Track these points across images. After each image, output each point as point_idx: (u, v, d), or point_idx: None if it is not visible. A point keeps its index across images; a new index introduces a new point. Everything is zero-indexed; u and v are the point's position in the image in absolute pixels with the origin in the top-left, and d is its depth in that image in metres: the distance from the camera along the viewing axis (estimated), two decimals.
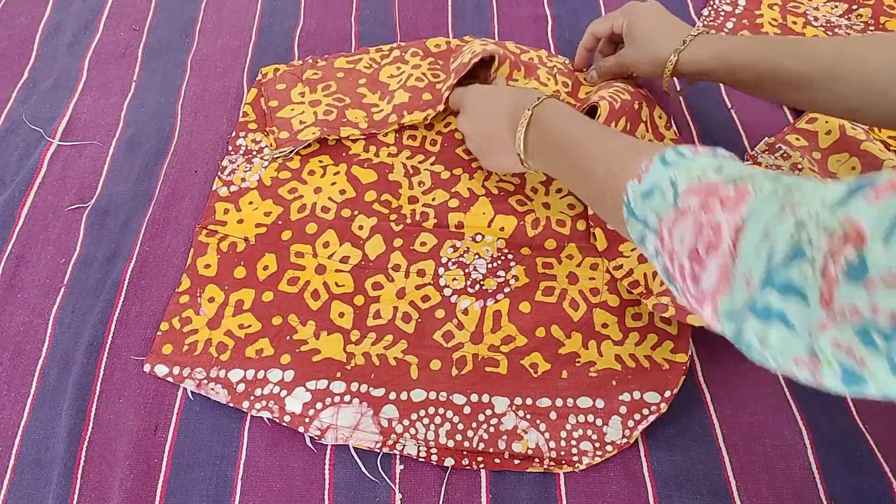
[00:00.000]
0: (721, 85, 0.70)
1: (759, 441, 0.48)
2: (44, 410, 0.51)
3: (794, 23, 0.76)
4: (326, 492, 0.47)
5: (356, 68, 0.70)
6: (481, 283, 0.56)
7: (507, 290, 0.55)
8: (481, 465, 0.48)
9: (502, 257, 0.57)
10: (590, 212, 0.59)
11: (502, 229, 0.59)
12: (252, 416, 0.50)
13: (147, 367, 0.52)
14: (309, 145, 0.64)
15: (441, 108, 0.65)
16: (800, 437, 0.49)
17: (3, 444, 0.50)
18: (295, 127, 0.65)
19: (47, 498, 0.48)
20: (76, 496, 0.47)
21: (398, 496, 0.47)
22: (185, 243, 0.59)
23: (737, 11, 0.77)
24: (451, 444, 0.48)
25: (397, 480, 0.48)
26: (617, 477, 0.47)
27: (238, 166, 0.63)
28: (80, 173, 0.64)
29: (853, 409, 0.50)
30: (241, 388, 0.51)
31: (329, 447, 0.49)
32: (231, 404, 0.50)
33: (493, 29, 0.76)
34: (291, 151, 0.63)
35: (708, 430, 0.49)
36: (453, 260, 0.57)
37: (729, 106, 0.68)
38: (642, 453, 0.48)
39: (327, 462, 0.48)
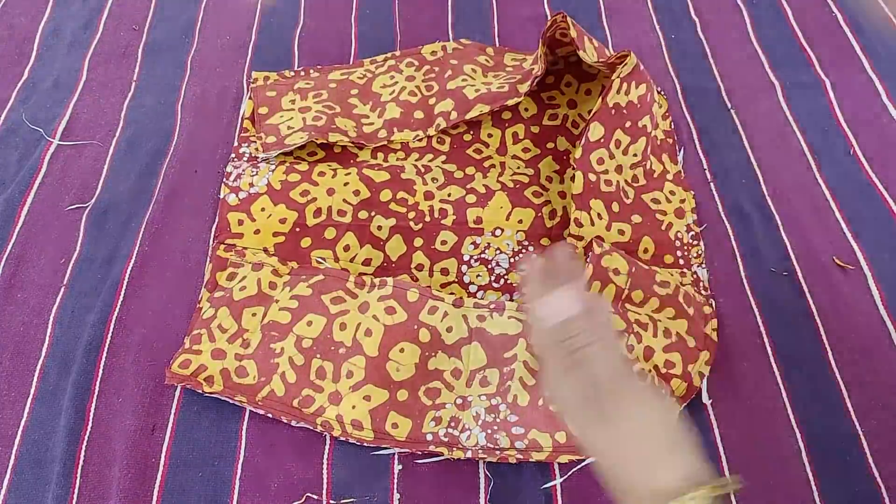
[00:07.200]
0: (721, 85, 0.70)
1: (755, 442, 0.49)
2: (43, 410, 0.51)
3: None
4: (325, 491, 0.47)
5: (349, 79, 0.69)
6: (505, 277, 0.56)
7: None
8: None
9: (523, 250, 0.58)
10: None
11: (520, 222, 0.59)
12: (249, 415, 0.50)
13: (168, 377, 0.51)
14: (315, 153, 0.63)
15: (432, 132, 0.64)
16: (794, 439, 0.49)
17: (3, 444, 0.50)
18: (282, 132, 0.63)
19: (47, 497, 0.48)
20: (75, 495, 0.47)
21: (396, 496, 0.47)
22: (185, 243, 0.59)
23: None
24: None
25: (395, 480, 0.48)
26: None
27: (244, 171, 0.62)
28: (80, 173, 0.64)
29: (851, 411, 0.50)
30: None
31: (327, 447, 0.49)
32: (250, 407, 0.50)
33: (493, 29, 0.76)
34: (278, 154, 0.62)
35: (708, 429, 0.49)
36: (475, 257, 0.57)
37: (729, 106, 0.68)
38: None
39: (325, 462, 0.49)
